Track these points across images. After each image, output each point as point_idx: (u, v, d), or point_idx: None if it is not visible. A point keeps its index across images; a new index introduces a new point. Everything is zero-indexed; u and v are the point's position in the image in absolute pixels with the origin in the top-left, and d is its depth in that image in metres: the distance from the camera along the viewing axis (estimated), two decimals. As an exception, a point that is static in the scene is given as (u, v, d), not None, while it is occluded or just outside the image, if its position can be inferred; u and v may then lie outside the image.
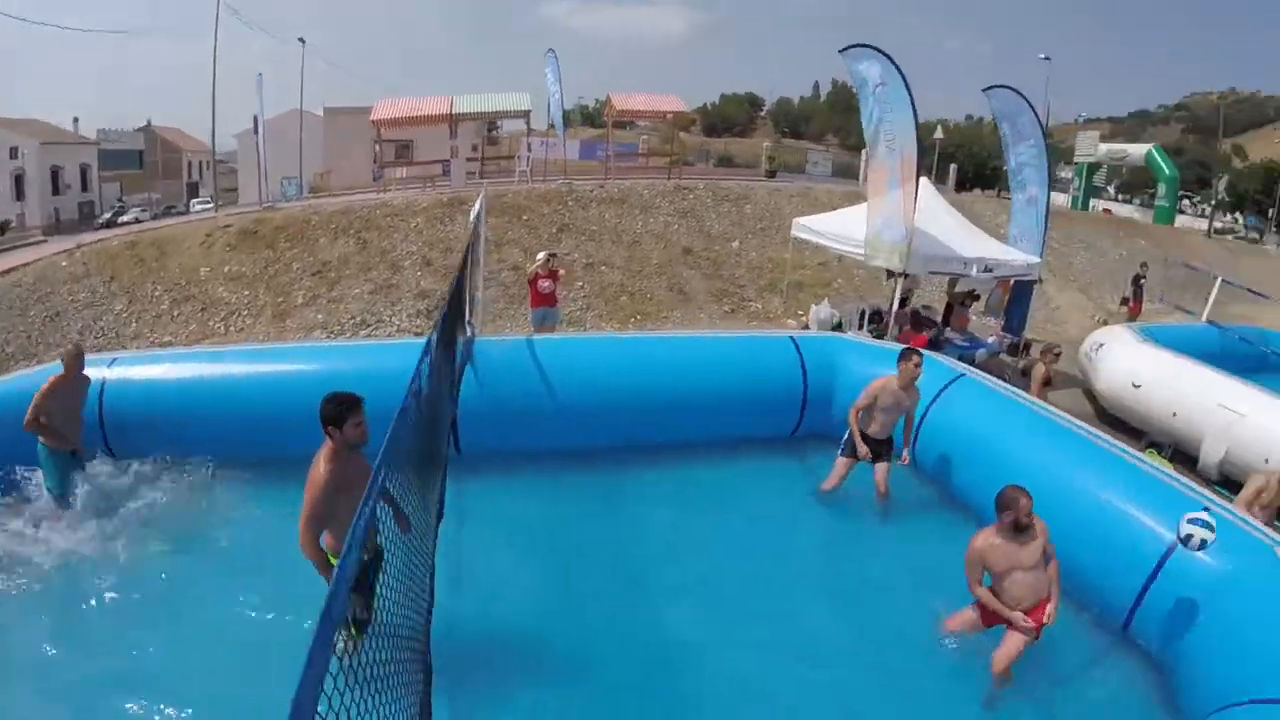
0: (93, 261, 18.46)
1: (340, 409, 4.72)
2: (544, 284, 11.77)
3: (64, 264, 18.48)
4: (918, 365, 7.52)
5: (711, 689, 5.29)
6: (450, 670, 4.49)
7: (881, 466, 7.70)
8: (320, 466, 4.68)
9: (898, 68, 11.03)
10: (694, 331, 13.23)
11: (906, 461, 7.73)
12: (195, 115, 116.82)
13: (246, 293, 17.01)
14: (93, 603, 5.86)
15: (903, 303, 12.64)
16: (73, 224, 51.25)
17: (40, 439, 6.93)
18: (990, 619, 5.50)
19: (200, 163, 71.82)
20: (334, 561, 4.59)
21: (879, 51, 11.30)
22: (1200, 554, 5.38)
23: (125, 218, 47.88)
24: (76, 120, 65.61)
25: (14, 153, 56.13)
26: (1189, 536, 5.26)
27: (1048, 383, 10.67)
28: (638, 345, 9.39)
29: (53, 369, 7.84)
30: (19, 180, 55.51)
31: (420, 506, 4.52)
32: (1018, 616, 5.27)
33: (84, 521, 6.77)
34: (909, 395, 7.64)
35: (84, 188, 62.57)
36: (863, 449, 7.57)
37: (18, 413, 6.83)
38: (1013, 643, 5.30)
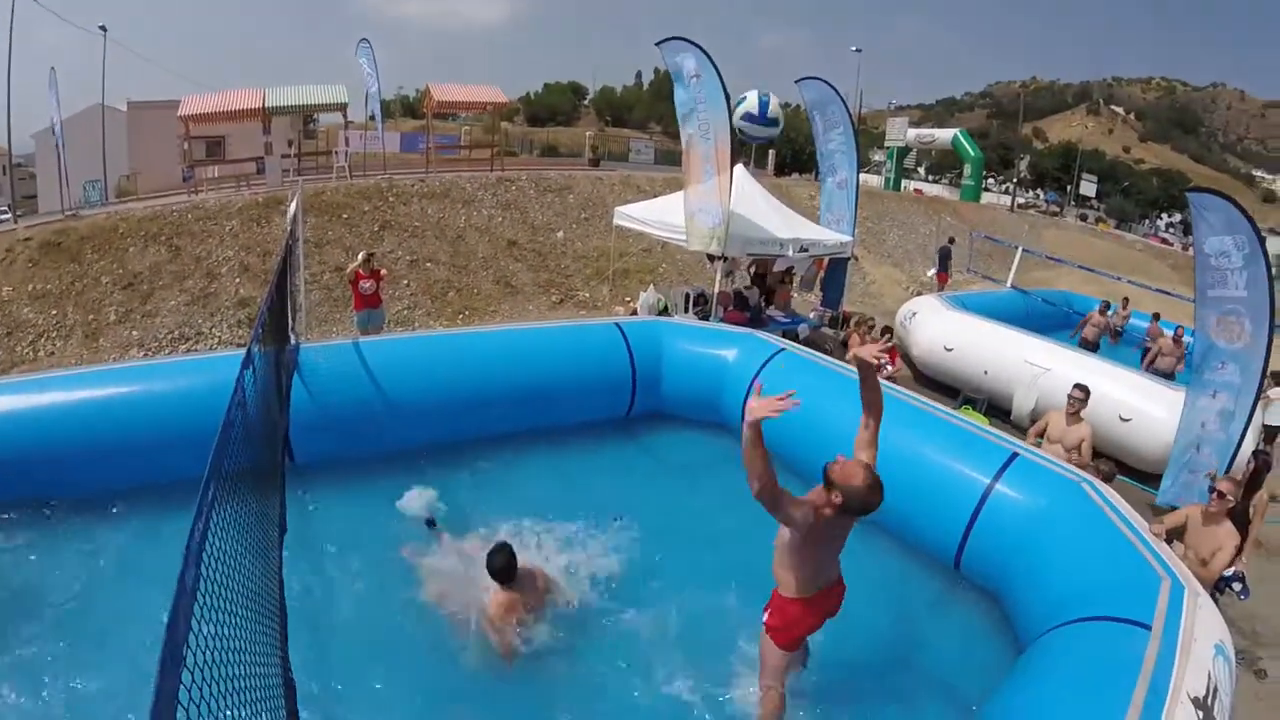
0: (-122, 283, 16.71)
1: None
2: (365, 284, 11.71)
3: None
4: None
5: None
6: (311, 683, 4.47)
7: None
8: None
9: (711, 60, 11.40)
10: (522, 324, 13.28)
11: None
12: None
13: (54, 312, 15.77)
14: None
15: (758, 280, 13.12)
16: None
17: None
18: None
19: (-1, 166, 66.06)
20: None
21: (693, 44, 11.63)
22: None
23: (-87, 230, 43.81)
24: None
25: None
26: None
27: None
28: (467, 340, 9.25)
29: None
30: None
31: (260, 520, 4.44)
32: None
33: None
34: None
35: None
36: None
37: None
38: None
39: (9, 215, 36.45)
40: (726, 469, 8.17)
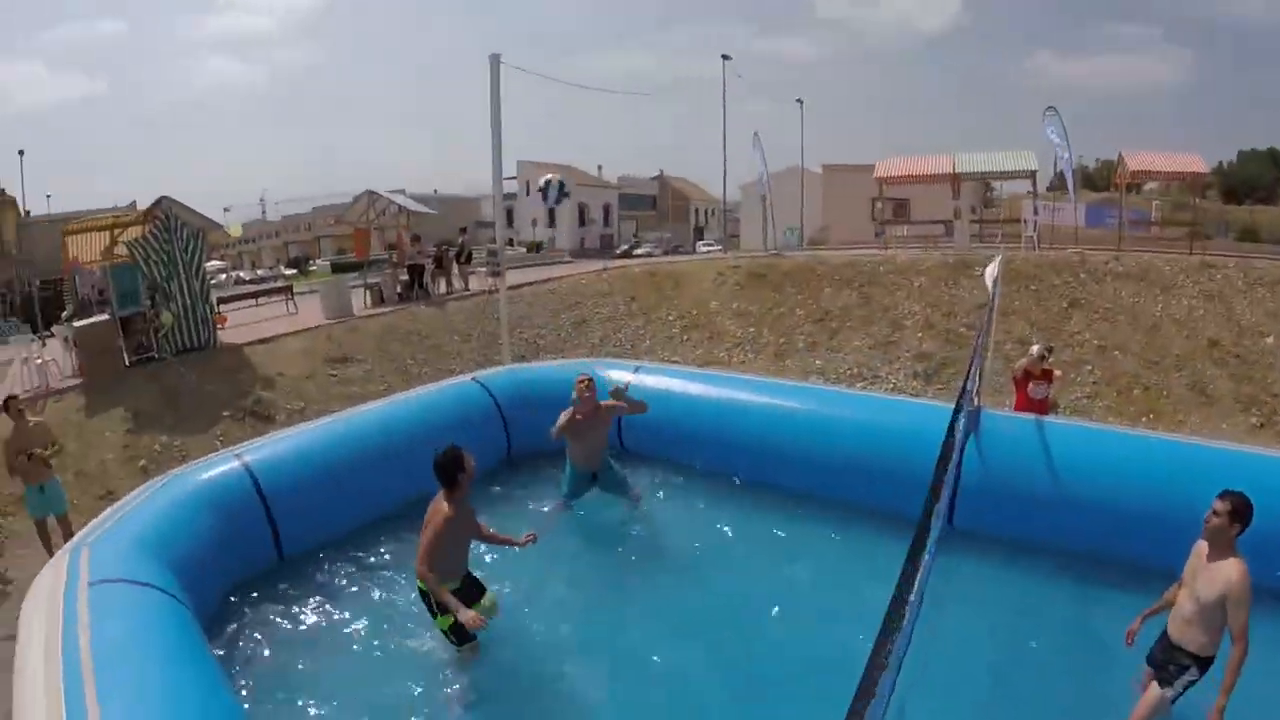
0: (617, 282, 21.80)
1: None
2: (1034, 388, 9.65)
3: (593, 281, 22.07)
4: None
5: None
6: None
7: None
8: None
9: None
10: (1237, 445, 10.77)
11: None
12: (695, 166, 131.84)
13: (751, 329, 18.47)
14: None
15: None
16: (594, 252, 62.86)
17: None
18: None
19: (706, 210, 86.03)
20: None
21: None
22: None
23: (639, 250, 56.43)
24: (600, 168, 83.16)
25: (550, 188, 72.01)
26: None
27: None
28: (1164, 448, 7.97)
29: (569, 366, 10.05)
30: (552, 212, 69.13)
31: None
32: None
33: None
34: None
35: (605, 223, 79.18)
36: None
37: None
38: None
39: (719, 248, 43.83)
40: None
